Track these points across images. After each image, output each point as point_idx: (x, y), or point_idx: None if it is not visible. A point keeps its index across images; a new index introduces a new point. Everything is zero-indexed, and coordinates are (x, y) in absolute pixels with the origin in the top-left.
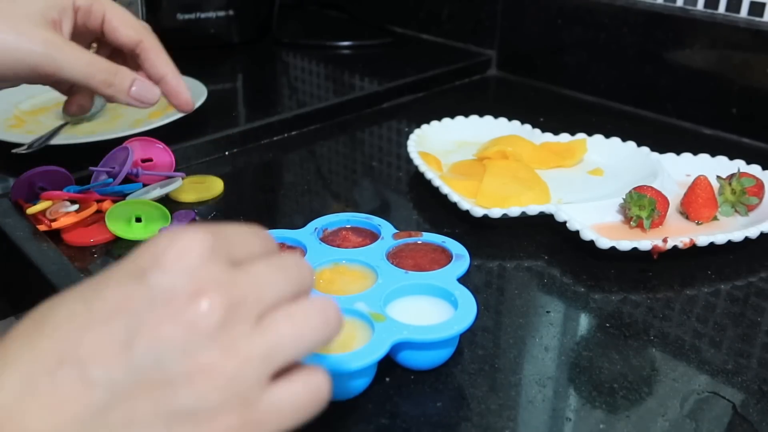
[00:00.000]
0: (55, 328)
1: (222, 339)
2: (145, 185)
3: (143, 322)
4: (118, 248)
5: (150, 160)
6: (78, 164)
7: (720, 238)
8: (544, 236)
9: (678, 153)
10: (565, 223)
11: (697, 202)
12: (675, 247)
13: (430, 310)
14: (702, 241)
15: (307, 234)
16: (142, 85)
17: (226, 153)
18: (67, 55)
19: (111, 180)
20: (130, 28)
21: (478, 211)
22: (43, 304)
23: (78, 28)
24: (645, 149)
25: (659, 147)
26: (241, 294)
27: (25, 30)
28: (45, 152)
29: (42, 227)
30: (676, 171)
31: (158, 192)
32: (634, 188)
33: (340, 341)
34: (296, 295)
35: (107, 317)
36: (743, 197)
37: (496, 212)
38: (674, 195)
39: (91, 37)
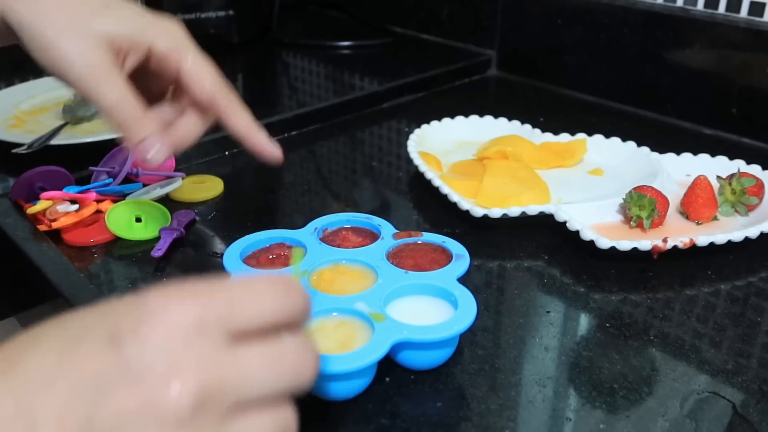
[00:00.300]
0: (22, 374)
1: (187, 429)
2: (145, 185)
3: (109, 397)
4: (118, 248)
5: None
6: (78, 164)
7: (720, 238)
8: (544, 236)
9: (678, 153)
10: (565, 223)
11: (697, 202)
12: (675, 247)
13: (430, 310)
14: (702, 241)
15: (307, 234)
16: (149, 145)
17: (226, 153)
18: (101, 86)
19: (111, 180)
20: (204, 86)
21: (478, 211)
22: (22, 336)
23: (151, 69)
24: (645, 149)
25: (659, 147)
26: (220, 381)
27: (83, 45)
28: (45, 152)
29: (42, 227)
30: (676, 171)
31: (158, 192)
32: (634, 188)
33: (341, 341)
34: (282, 394)
35: (75, 383)
36: (743, 197)
37: (496, 212)
38: (674, 195)
39: (168, 81)
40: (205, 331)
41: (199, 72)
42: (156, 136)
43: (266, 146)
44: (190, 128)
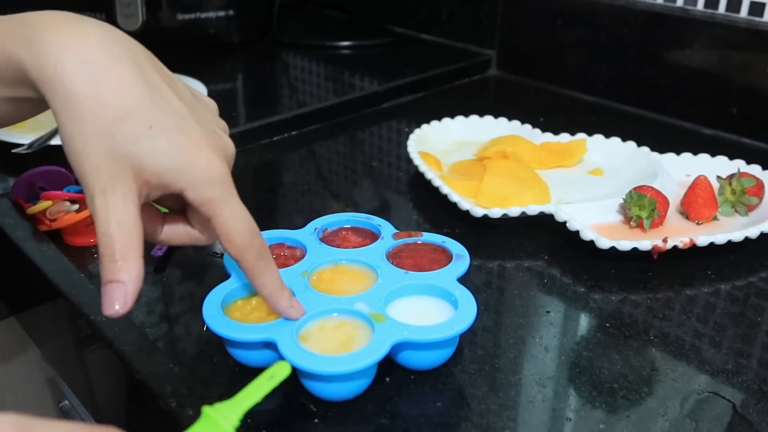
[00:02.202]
0: None
1: None
2: None
3: None
4: None
5: None
6: None
7: (720, 238)
8: (544, 236)
9: (678, 153)
10: (565, 223)
11: (697, 202)
12: (675, 247)
13: (430, 310)
14: (702, 241)
15: (307, 234)
16: (113, 291)
17: None
18: (102, 209)
19: None
20: (233, 243)
21: (478, 211)
22: None
23: (188, 210)
24: (645, 149)
25: (659, 147)
26: None
27: (105, 165)
28: (45, 152)
29: (42, 227)
30: (676, 171)
31: None
32: (634, 188)
33: (341, 342)
34: None
35: None
36: (743, 197)
37: (496, 212)
38: (674, 195)
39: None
40: None
41: (232, 228)
42: (129, 285)
43: (288, 310)
44: (178, 234)
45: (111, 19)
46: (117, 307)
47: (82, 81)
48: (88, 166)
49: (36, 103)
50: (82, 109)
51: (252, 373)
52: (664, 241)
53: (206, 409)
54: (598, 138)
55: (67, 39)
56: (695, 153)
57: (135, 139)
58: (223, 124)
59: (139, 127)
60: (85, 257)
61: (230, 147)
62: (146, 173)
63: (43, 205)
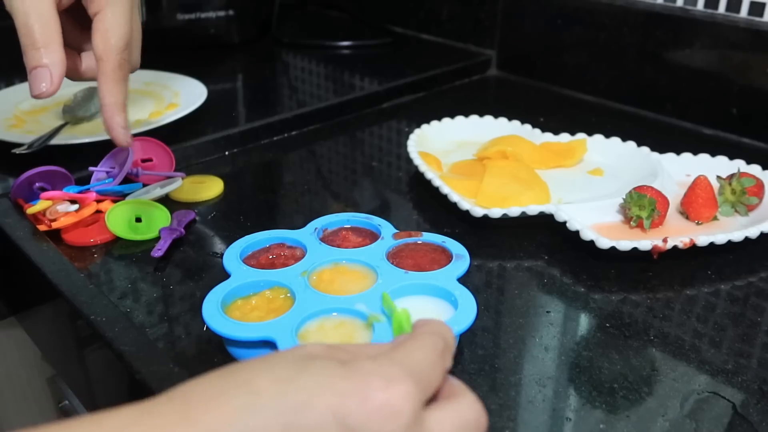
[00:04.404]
0: None
1: None
2: (145, 185)
3: None
4: (118, 248)
5: (150, 160)
6: (78, 164)
7: (720, 238)
8: (544, 236)
9: (678, 153)
10: (565, 223)
11: (697, 202)
12: (675, 247)
13: (430, 310)
14: (702, 241)
15: (307, 234)
16: (38, 75)
17: (226, 153)
18: (17, 2)
19: (111, 180)
20: (98, 43)
21: (478, 211)
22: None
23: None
24: (645, 149)
25: (659, 147)
26: None
27: None
28: (45, 152)
29: (42, 227)
30: (676, 171)
31: (158, 192)
32: (634, 188)
33: (340, 341)
34: None
35: None
36: (743, 197)
37: (496, 212)
38: (674, 195)
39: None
40: (418, 415)
41: (109, 27)
42: (53, 67)
43: (120, 130)
44: (94, 65)
45: None
46: (43, 86)
47: None
48: None
49: None
50: None
51: None
52: (664, 241)
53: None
54: (598, 138)
55: None
56: (695, 153)
57: None
58: None
59: None
60: (85, 257)
61: None
62: None
63: (43, 205)
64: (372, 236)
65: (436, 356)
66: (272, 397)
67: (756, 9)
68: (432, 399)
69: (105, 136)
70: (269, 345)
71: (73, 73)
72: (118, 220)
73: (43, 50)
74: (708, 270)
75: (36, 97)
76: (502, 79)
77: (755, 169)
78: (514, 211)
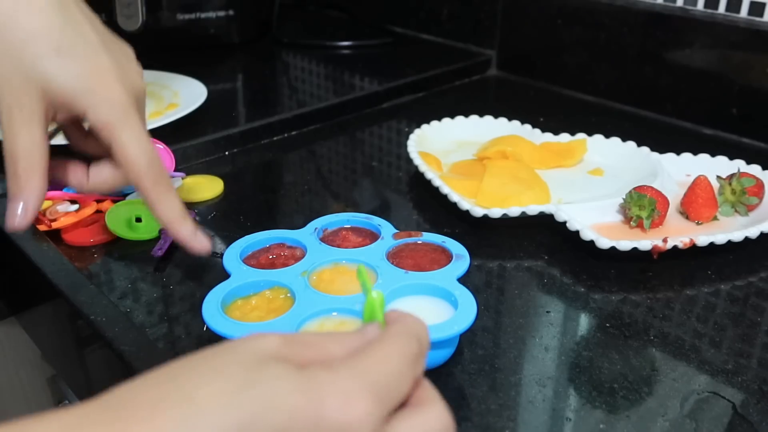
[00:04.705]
0: None
1: None
2: None
3: None
4: (118, 248)
5: None
6: None
7: (720, 238)
8: (544, 236)
9: (678, 153)
10: (565, 223)
11: (697, 202)
12: (675, 247)
13: (430, 310)
14: (702, 241)
15: (307, 234)
16: (13, 207)
17: (226, 153)
18: (12, 129)
19: None
20: (131, 168)
21: (478, 211)
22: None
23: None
24: (645, 149)
25: (659, 147)
26: None
27: (14, 83)
28: None
29: (42, 227)
30: (676, 171)
31: None
32: (634, 188)
33: None
34: None
35: None
36: (743, 197)
37: (496, 212)
38: (674, 195)
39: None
40: (380, 426)
41: (130, 153)
42: (28, 201)
43: (191, 238)
44: (104, 178)
45: (111, 19)
46: (17, 220)
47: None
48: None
49: None
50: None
51: None
52: (664, 241)
53: (364, 318)
54: (598, 138)
55: None
56: (695, 153)
57: (42, 59)
58: (137, 65)
59: (47, 48)
60: (85, 257)
61: (138, 83)
62: (51, 92)
63: (43, 204)
64: (372, 236)
65: (406, 365)
66: (214, 412)
67: (756, 9)
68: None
69: None
70: None
71: (79, 188)
72: (118, 220)
73: (24, 181)
74: (708, 270)
75: (8, 227)
76: (502, 79)
77: (755, 169)
78: (514, 211)
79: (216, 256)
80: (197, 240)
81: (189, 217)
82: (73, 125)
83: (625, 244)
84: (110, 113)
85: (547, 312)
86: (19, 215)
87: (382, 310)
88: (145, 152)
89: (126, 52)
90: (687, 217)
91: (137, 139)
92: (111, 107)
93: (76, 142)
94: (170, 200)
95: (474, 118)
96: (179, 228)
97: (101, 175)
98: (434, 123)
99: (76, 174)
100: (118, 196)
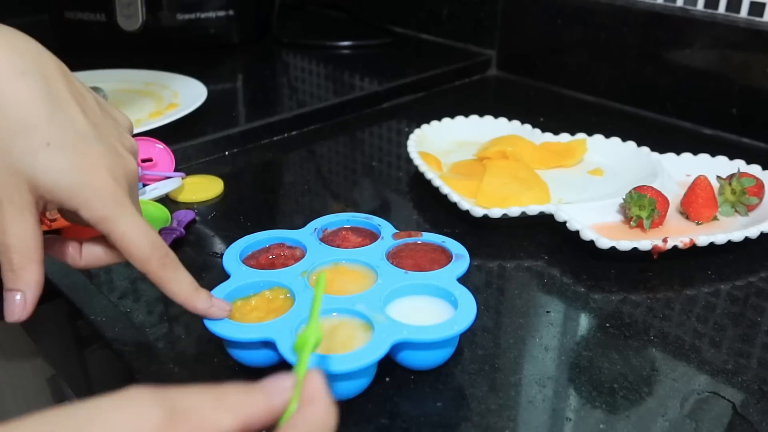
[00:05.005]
0: None
1: None
2: (145, 185)
3: None
4: None
5: (150, 160)
6: None
7: (720, 238)
8: (544, 236)
9: (678, 153)
10: (565, 223)
11: (697, 202)
12: (675, 247)
13: (430, 310)
14: (702, 241)
15: (307, 234)
16: (11, 298)
17: (226, 153)
18: (4, 221)
19: None
20: (133, 256)
21: (478, 211)
22: None
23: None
24: (645, 149)
25: (659, 147)
26: None
27: (3, 177)
28: None
29: (42, 227)
30: (676, 171)
31: (158, 192)
32: (634, 188)
33: (340, 341)
34: None
35: None
36: (743, 197)
37: (496, 212)
38: (674, 195)
39: None
40: None
41: (130, 243)
42: (26, 292)
43: (210, 310)
44: (98, 256)
45: (111, 19)
46: (17, 314)
47: None
48: None
49: None
50: None
51: (252, 372)
52: (664, 241)
53: (295, 347)
54: (598, 138)
55: None
56: (695, 153)
57: (31, 154)
58: (130, 142)
59: (37, 144)
60: None
61: (131, 166)
62: (41, 189)
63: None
64: (372, 236)
65: None
66: None
67: (756, 9)
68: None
69: None
70: (269, 345)
71: (72, 264)
72: None
73: (20, 272)
74: (708, 270)
75: (8, 320)
76: (502, 79)
77: (755, 169)
78: (514, 211)
79: (216, 256)
80: (216, 308)
81: (201, 289)
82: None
83: (625, 244)
84: (103, 209)
85: (547, 312)
86: (18, 306)
87: (305, 365)
88: (146, 237)
89: (119, 124)
90: (687, 217)
91: (135, 227)
92: (103, 203)
93: (69, 218)
94: (180, 278)
95: (474, 118)
96: (195, 303)
97: (94, 254)
98: (434, 123)
99: (68, 253)
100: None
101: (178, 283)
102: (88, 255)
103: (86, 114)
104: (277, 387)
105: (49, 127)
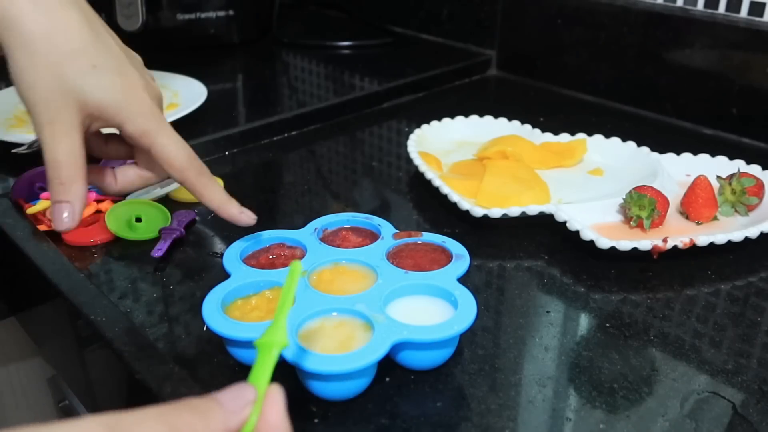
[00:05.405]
0: None
1: None
2: None
3: None
4: (118, 248)
5: None
6: None
7: (720, 238)
8: (544, 236)
9: (678, 153)
10: (565, 223)
11: (697, 202)
12: (675, 247)
13: (430, 310)
14: (702, 241)
15: (307, 234)
16: (61, 209)
17: (226, 153)
18: (53, 140)
19: None
20: (173, 166)
21: (478, 211)
22: None
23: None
24: (645, 149)
25: (659, 147)
26: None
27: (54, 97)
28: None
29: (42, 227)
30: (676, 171)
31: (158, 192)
32: (634, 188)
33: (341, 341)
34: None
35: None
36: (743, 197)
37: (496, 212)
38: (674, 195)
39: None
40: None
41: (170, 153)
42: (74, 204)
43: (240, 216)
44: (131, 180)
45: (111, 19)
46: (66, 224)
47: (35, 21)
48: (37, 98)
49: None
50: (35, 47)
51: None
52: (664, 241)
53: (257, 342)
54: (598, 138)
55: None
56: (695, 153)
57: (81, 75)
58: (149, 73)
59: (85, 66)
60: (85, 257)
61: (156, 89)
62: (89, 107)
63: (43, 205)
64: (372, 236)
65: None
66: None
67: (756, 9)
68: None
69: None
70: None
71: (109, 190)
72: (118, 220)
73: (68, 186)
74: (708, 270)
75: (58, 229)
76: (502, 79)
77: (755, 169)
78: (514, 211)
79: (216, 256)
80: (245, 215)
81: (233, 198)
82: (94, 135)
83: (625, 244)
84: (145, 123)
85: (547, 312)
86: (66, 219)
87: (269, 370)
88: (183, 148)
89: (139, 60)
90: (687, 217)
91: (173, 140)
92: (145, 117)
93: (98, 149)
94: (214, 187)
95: (474, 118)
96: (228, 209)
97: (128, 177)
98: (434, 123)
99: (106, 178)
100: (119, 196)
101: (213, 190)
102: (122, 180)
103: (118, 44)
104: (237, 403)
105: (94, 51)
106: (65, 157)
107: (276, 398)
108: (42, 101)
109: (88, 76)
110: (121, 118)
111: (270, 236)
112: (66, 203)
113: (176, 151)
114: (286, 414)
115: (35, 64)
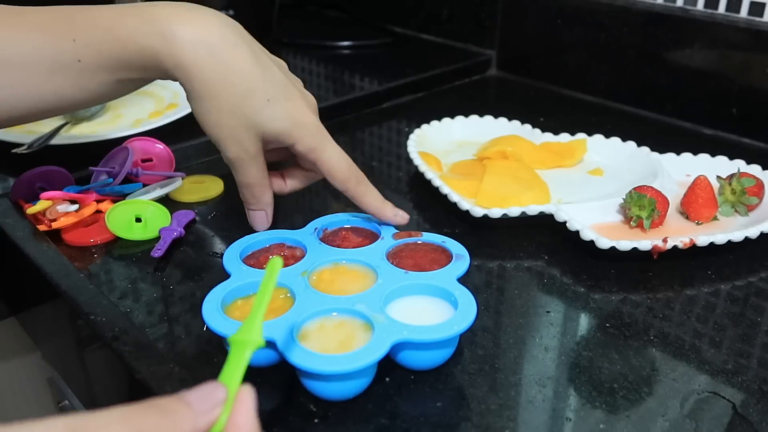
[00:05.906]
0: None
1: None
2: (145, 185)
3: None
4: (118, 248)
5: (150, 160)
6: (78, 164)
7: (720, 238)
8: (544, 236)
9: (678, 153)
10: (565, 223)
11: (697, 202)
12: (675, 247)
13: (430, 310)
14: (702, 241)
15: (307, 234)
16: (259, 216)
17: None
18: (244, 170)
19: (111, 180)
20: (337, 177)
21: (478, 211)
22: None
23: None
24: (645, 149)
25: (659, 147)
26: None
27: (239, 134)
28: (45, 152)
29: (42, 227)
30: (676, 171)
31: (158, 192)
32: (634, 188)
33: (341, 341)
34: None
35: None
36: (743, 197)
37: (496, 212)
38: (674, 195)
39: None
40: None
41: (333, 166)
42: (268, 210)
43: (395, 218)
44: (299, 180)
45: None
46: (264, 225)
47: (212, 68)
48: (223, 135)
49: (140, 83)
50: (215, 92)
51: (252, 372)
52: (664, 241)
53: (231, 339)
54: (598, 138)
55: (194, 31)
56: (695, 153)
57: (258, 111)
58: (300, 82)
59: (260, 101)
60: (85, 257)
61: (312, 99)
62: (267, 135)
63: (43, 205)
64: (372, 236)
65: None
66: None
67: (756, 9)
68: None
69: (105, 136)
70: (269, 345)
71: (281, 191)
72: (118, 220)
73: (261, 198)
74: (708, 270)
75: (259, 230)
76: (502, 79)
77: (755, 169)
78: (514, 211)
79: (216, 256)
80: (399, 217)
81: (387, 201)
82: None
83: (625, 244)
84: (312, 141)
85: (547, 312)
86: (264, 222)
87: (241, 369)
88: (345, 160)
89: (285, 67)
90: (687, 217)
91: (337, 153)
92: (312, 136)
93: (277, 158)
94: (372, 193)
95: (474, 118)
96: (384, 212)
97: (295, 179)
98: (434, 123)
99: (278, 182)
100: (118, 196)
101: (372, 197)
102: (291, 182)
103: (279, 68)
104: (206, 403)
105: (265, 85)
106: (255, 180)
107: (246, 399)
108: (228, 137)
109: (264, 109)
110: (292, 140)
111: (270, 236)
112: (261, 211)
113: (338, 164)
114: (256, 416)
115: (218, 108)
